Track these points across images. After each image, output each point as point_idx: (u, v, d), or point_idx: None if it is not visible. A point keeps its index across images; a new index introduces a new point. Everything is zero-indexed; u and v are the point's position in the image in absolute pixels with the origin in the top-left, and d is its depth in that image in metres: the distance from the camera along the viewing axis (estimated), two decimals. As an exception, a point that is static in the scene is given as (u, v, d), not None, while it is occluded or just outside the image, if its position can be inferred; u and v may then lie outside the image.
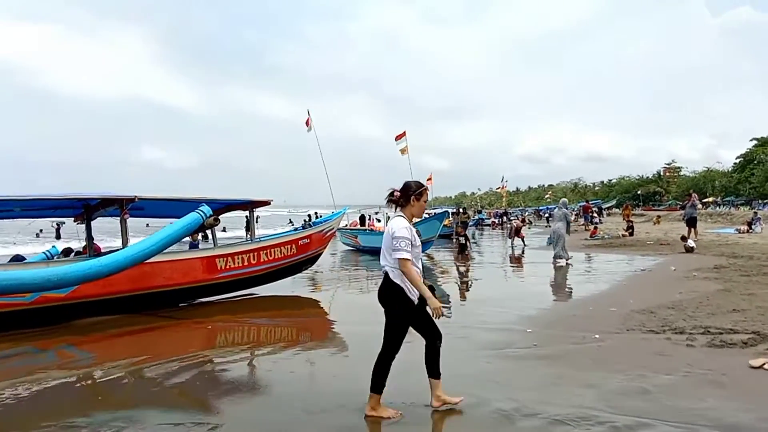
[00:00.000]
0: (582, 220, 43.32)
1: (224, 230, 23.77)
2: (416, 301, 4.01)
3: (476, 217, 40.86)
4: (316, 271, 14.30)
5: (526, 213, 69.98)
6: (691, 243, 15.95)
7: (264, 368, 5.77)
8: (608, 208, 72.76)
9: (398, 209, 4.14)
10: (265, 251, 9.71)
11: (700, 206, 20.37)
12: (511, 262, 16.31)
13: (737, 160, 79.20)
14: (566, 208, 15.45)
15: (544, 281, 11.49)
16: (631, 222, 24.77)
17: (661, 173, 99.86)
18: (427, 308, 3.99)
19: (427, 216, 19.10)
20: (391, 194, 4.12)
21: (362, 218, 36.09)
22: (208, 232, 10.46)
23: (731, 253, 14.89)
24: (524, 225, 23.32)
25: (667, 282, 10.25)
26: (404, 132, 35.47)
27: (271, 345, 6.96)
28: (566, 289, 10.46)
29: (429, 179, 42.60)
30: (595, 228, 34.23)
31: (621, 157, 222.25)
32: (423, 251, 16.36)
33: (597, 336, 6.24)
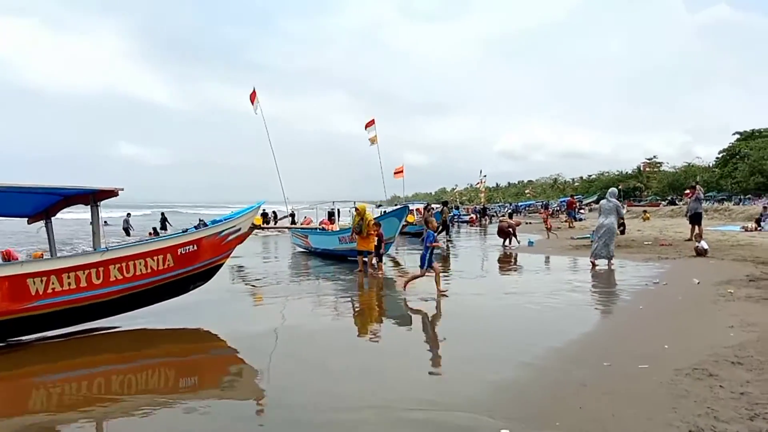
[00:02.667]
0: (564, 216, 40.99)
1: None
2: None
3: (451, 214, 37.89)
4: (250, 281, 11.17)
5: (506, 209, 66.82)
6: (703, 245, 13.14)
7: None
8: (589, 204, 70.78)
9: None
10: (116, 265, 6.55)
11: (704, 199, 17.28)
12: (499, 267, 13.36)
13: (719, 155, 77.72)
14: (617, 199, 12.60)
15: (531, 301, 8.47)
16: (623, 219, 21.96)
17: (641, 168, 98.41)
18: None
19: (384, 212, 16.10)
20: None
21: (330, 214, 32.97)
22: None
23: (753, 257, 12.10)
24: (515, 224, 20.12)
25: (700, 305, 7.34)
26: (373, 120, 32.46)
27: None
28: (561, 323, 7.25)
29: (399, 171, 39.76)
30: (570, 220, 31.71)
31: (598, 153, 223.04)
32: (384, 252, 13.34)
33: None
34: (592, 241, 12.50)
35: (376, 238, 12.04)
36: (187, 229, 8.63)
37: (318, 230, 17.11)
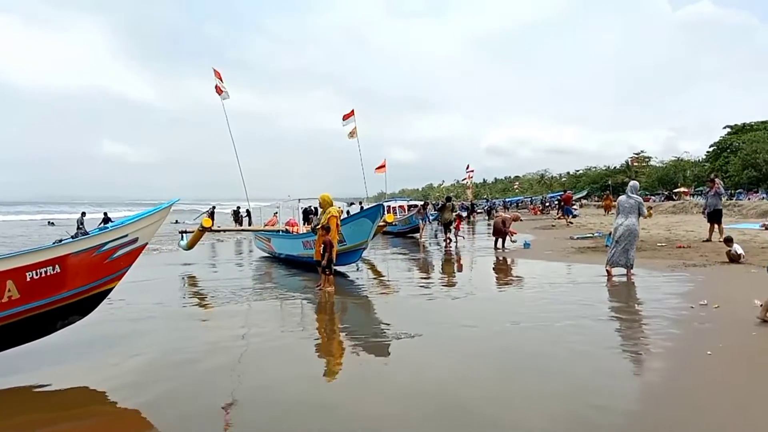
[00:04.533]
0: (556, 212, 38.84)
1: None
2: None
3: (434, 212, 35.64)
4: (204, 301, 8.77)
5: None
6: (737, 249, 10.97)
7: None
8: (578, 200, 69.05)
9: None
10: None
11: (725, 194, 15.07)
12: (495, 279, 11.07)
13: (710, 149, 76.41)
14: (637, 194, 10.18)
15: (547, 338, 6.14)
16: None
17: (629, 163, 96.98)
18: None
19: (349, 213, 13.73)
20: None
21: (307, 213, 30.41)
22: None
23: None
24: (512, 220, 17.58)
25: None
26: (352, 111, 30.08)
27: None
28: (603, 384, 4.59)
29: (381, 166, 37.42)
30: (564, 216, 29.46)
31: (584, 149, 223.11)
32: (352, 261, 10.93)
33: None
34: (607, 246, 10.14)
35: (326, 243, 9.53)
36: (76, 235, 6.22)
37: (281, 233, 14.73)
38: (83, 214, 27.36)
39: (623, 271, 9.92)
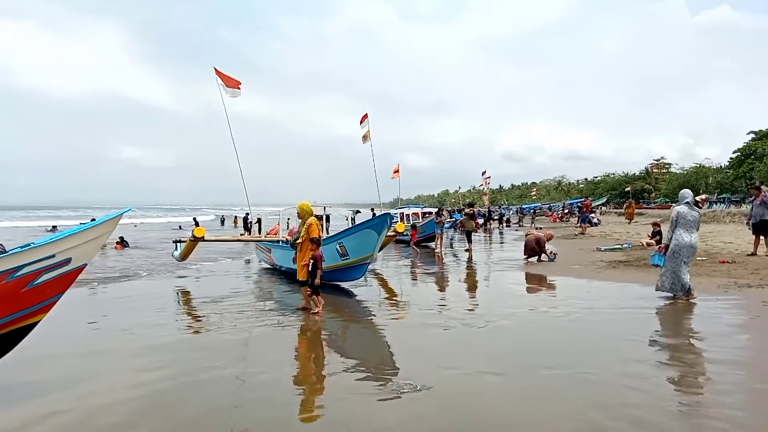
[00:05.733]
0: (576, 220, 37.18)
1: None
2: None
3: (451, 219, 34.21)
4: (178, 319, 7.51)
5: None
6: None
7: None
8: (598, 206, 67.27)
9: None
10: None
11: None
12: (522, 299, 9.68)
13: (734, 155, 74.05)
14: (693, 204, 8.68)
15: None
16: (659, 228, 18.28)
17: (649, 170, 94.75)
18: None
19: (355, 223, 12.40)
20: None
21: (318, 219, 29.22)
22: None
23: None
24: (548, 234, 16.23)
25: None
26: (366, 114, 29.01)
27: None
28: None
29: (396, 171, 36.15)
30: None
31: (600, 155, 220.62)
32: (356, 278, 9.66)
33: None
34: (657, 266, 8.54)
35: (310, 260, 8.24)
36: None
37: (282, 243, 13.47)
38: (54, 227, 26.44)
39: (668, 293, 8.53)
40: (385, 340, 6.90)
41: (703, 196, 66.71)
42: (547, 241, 15.35)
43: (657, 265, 8.49)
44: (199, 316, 8.59)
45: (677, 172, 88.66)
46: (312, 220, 8.51)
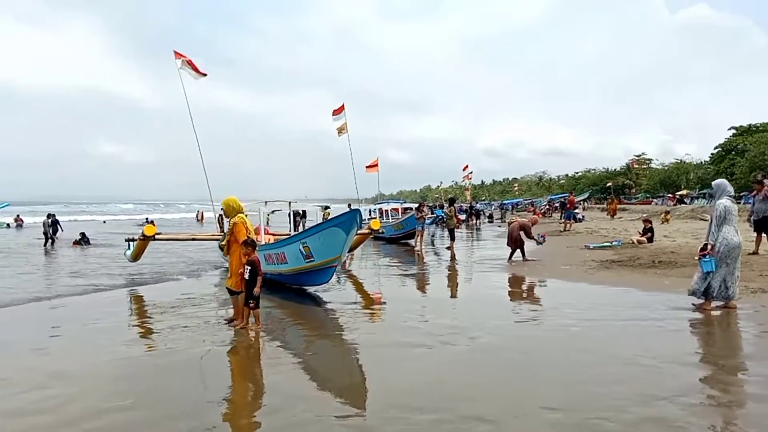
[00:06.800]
0: (559, 216, 36.25)
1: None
2: None
3: (432, 215, 33.05)
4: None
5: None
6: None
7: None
8: (581, 202, 66.83)
9: None
10: None
11: None
12: (511, 308, 8.53)
13: (715, 150, 74.06)
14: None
15: None
16: (651, 225, 17.32)
17: (629, 165, 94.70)
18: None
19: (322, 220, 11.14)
20: None
21: (295, 216, 27.80)
22: None
23: None
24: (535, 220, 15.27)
25: None
26: (342, 106, 27.75)
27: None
28: None
29: (373, 165, 34.92)
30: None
31: (580, 151, 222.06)
32: (321, 282, 8.56)
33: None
34: (708, 273, 7.11)
35: (247, 266, 6.87)
36: None
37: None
38: (50, 215, 24.88)
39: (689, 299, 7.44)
40: (345, 367, 5.68)
41: (684, 192, 66.83)
42: (533, 225, 14.30)
43: (709, 272, 7.06)
44: (131, 332, 7.31)
45: (658, 168, 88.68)
46: (239, 218, 7.20)
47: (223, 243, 7.19)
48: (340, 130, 27.22)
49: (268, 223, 25.80)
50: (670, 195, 66.51)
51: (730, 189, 7.41)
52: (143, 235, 11.72)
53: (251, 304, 6.87)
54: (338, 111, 27.86)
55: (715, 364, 5.09)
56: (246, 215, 7.42)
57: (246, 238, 7.01)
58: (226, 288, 7.30)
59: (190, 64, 15.87)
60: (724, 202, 7.17)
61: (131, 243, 13.06)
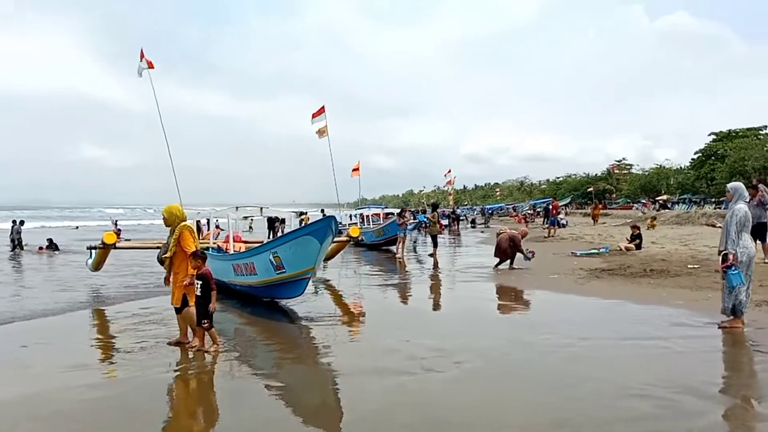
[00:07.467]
0: (542, 221, 35.81)
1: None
2: None
3: (414, 221, 32.34)
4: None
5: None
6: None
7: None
8: (563, 207, 66.78)
9: None
10: None
11: None
12: (500, 323, 7.86)
13: (695, 156, 74.60)
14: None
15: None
16: (639, 231, 16.83)
17: (610, 170, 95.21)
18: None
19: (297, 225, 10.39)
20: None
21: (272, 221, 26.94)
22: None
23: None
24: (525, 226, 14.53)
25: None
26: (323, 108, 26.96)
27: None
28: None
29: (356, 169, 34.24)
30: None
31: (561, 157, 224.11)
32: (293, 296, 7.83)
33: None
34: (736, 286, 6.39)
35: (197, 281, 6.08)
36: None
37: (214, 250, 11.39)
38: (18, 222, 23.73)
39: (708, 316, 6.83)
40: (307, 400, 4.93)
41: (665, 197, 67.15)
42: (522, 237, 13.65)
43: (736, 286, 6.34)
44: (74, 357, 6.49)
45: (638, 173, 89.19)
46: (184, 227, 6.36)
47: (168, 255, 6.33)
48: (321, 133, 26.50)
49: (250, 229, 24.90)
50: (643, 201, 66.80)
51: (746, 193, 6.82)
52: (103, 243, 10.86)
53: (205, 324, 6.09)
54: (318, 113, 27.13)
55: (737, 396, 4.46)
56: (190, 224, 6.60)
57: (195, 249, 6.24)
58: (174, 306, 6.45)
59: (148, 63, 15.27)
60: (744, 207, 6.56)
61: (93, 252, 12.18)
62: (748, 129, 67.43)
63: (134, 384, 5.20)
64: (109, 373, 5.64)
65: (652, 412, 4.12)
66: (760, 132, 65.39)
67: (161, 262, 6.51)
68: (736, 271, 6.24)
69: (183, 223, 6.36)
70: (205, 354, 6.06)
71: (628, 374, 5.02)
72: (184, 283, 6.13)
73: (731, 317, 6.57)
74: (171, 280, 6.44)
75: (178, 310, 6.34)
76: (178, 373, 5.54)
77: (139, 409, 4.59)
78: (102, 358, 6.31)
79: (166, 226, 6.52)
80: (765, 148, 55.04)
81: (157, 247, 14.03)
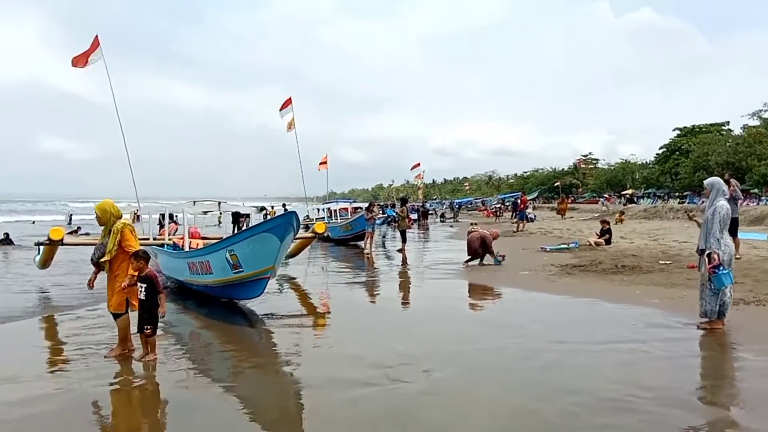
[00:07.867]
0: (511, 216, 35.80)
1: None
2: None
3: (383, 215, 31.95)
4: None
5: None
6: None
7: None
8: (531, 201, 67.24)
9: None
10: None
11: (742, 198, 11.92)
12: (472, 325, 7.47)
13: (660, 151, 75.94)
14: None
15: None
16: (608, 226, 16.74)
17: (576, 165, 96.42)
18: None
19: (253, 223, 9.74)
20: None
21: (237, 217, 26.11)
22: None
23: None
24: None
25: None
26: (290, 99, 26.39)
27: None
28: None
29: (323, 162, 33.69)
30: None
31: (528, 151, 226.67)
32: (252, 297, 7.29)
33: None
34: (726, 286, 6.06)
35: (140, 283, 5.53)
36: None
37: (170, 247, 10.77)
38: None
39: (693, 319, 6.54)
40: (268, 416, 4.47)
41: (630, 191, 68.16)
42: (494, 239, 13.32)
43: (724, 287, 6.02)
44: (4, 369, 5.87)
45: (604, 167, 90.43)
46: (122, 225, 5.76)
47: (105, 259, 5.70)
48: (289, 126, 25.85)
49: (219, 224, 24.32)
50: (606, 196, 67.72)
51: (725, 188, 6.55)
52: (49, 239, 10.14)
53: (147, 330, 5.51)
54: (285, 105, 26.42)
55: (724, 406, 4.16)
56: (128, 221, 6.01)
57: (138, 249, 5.67)
58: (112, 313, 5.82)
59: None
60: (725, 204, 6.28)
61: (41, 248, 11.42)
62: (711, 125, 68.81)
63: (69, 398, 4.65)
64: (42, 387, 5.06)
65: (637, 427, 3.77)
66: (723, 127, 66.69)
67: (96, 264, 5.88)
68: (726, 271, 5.96)
69: (122, 221, 5.76)
70: (148, 363, 5.51)
71: (608, 383, 4.67)
72: (123, 285, 5.53)
73: (712, 318, 6.30)
74: (109, 284, 5.82)
75: (116, 316, 5.74)
76: (119, 386, 5.00)
77: (73, 428, 4.07)
78: (37, 370, 5.70)
79: (100, 224, 5.89)
80: (728, 144, 56.11)
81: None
